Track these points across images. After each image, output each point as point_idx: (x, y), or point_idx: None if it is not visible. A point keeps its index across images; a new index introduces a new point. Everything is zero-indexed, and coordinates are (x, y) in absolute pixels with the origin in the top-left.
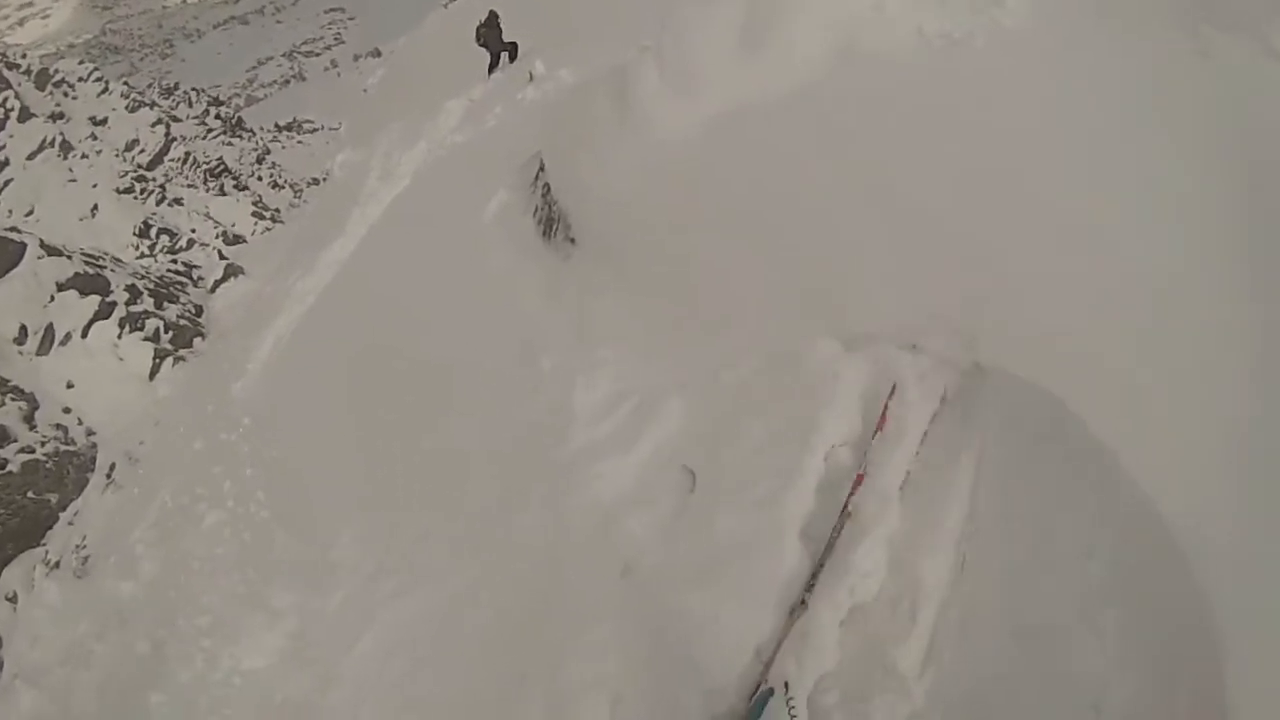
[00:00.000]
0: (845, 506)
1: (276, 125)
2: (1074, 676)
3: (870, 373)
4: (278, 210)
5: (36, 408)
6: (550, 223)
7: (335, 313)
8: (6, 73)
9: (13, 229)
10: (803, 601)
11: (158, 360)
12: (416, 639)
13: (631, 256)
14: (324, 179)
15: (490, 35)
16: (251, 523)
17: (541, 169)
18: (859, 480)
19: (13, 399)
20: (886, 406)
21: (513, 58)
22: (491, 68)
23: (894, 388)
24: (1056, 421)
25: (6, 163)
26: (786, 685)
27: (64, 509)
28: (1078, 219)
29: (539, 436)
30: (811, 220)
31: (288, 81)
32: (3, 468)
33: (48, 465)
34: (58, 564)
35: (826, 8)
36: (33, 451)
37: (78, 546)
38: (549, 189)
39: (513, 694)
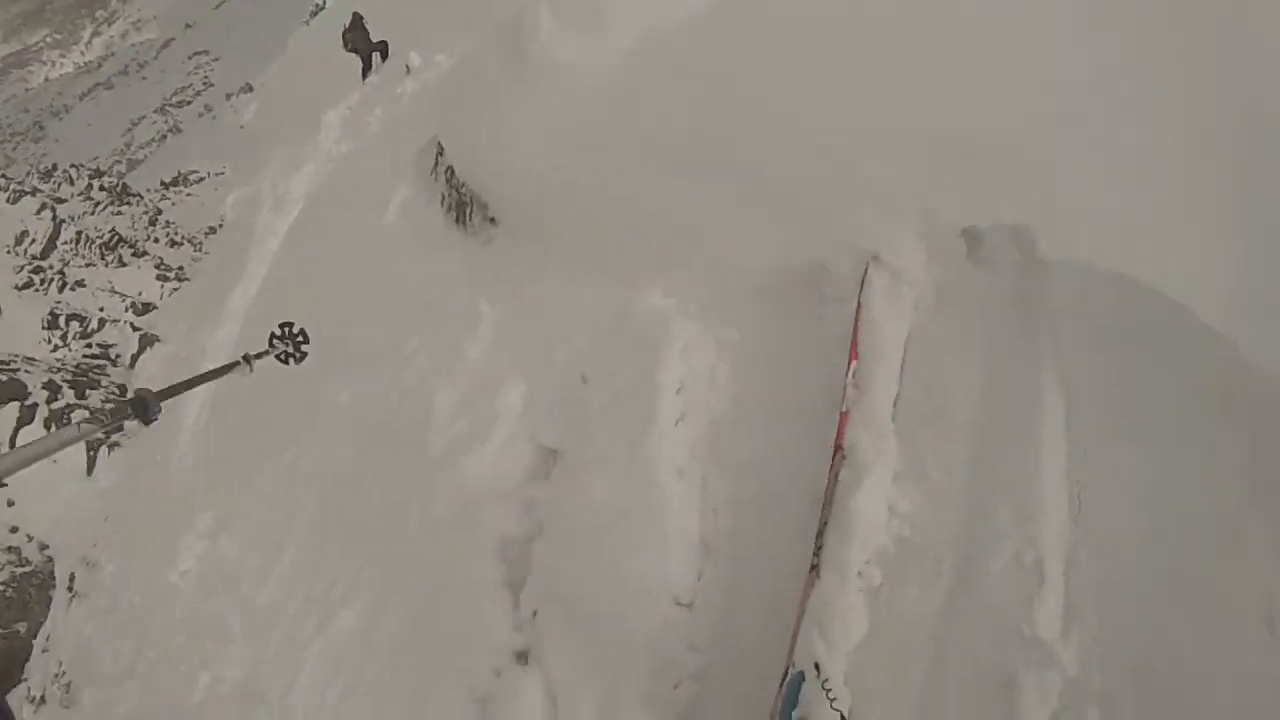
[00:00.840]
0: (838, 448)
1: (162, 183)
2: (1234, 597)
3: (692, 308)
4: (181, 268)
5: None
6: (462, 207)
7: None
8: None
9: None
10: (812, 566)
11: (92, 453)
12: (345, 663)
13: (560, 224)
14: (220, 225)
15: (357, 38)
16: (207, 596)
17: (440, 153)
18: (844, 417)
19: None
20: (856, 331)
21: (384, 56)
22: (365, 71)
23: (859, 309)
24: (1139, 312)
25: None
26: (818, 666)
27: (35, 636)
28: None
29: (409, 444)
30: (755, 136)
31: (164, 136)
32: None
33: (8, 594)
34: (43, 698)
35: None
36: None
37: (56, 675)
38: (452, 172)
39: (442, 692)
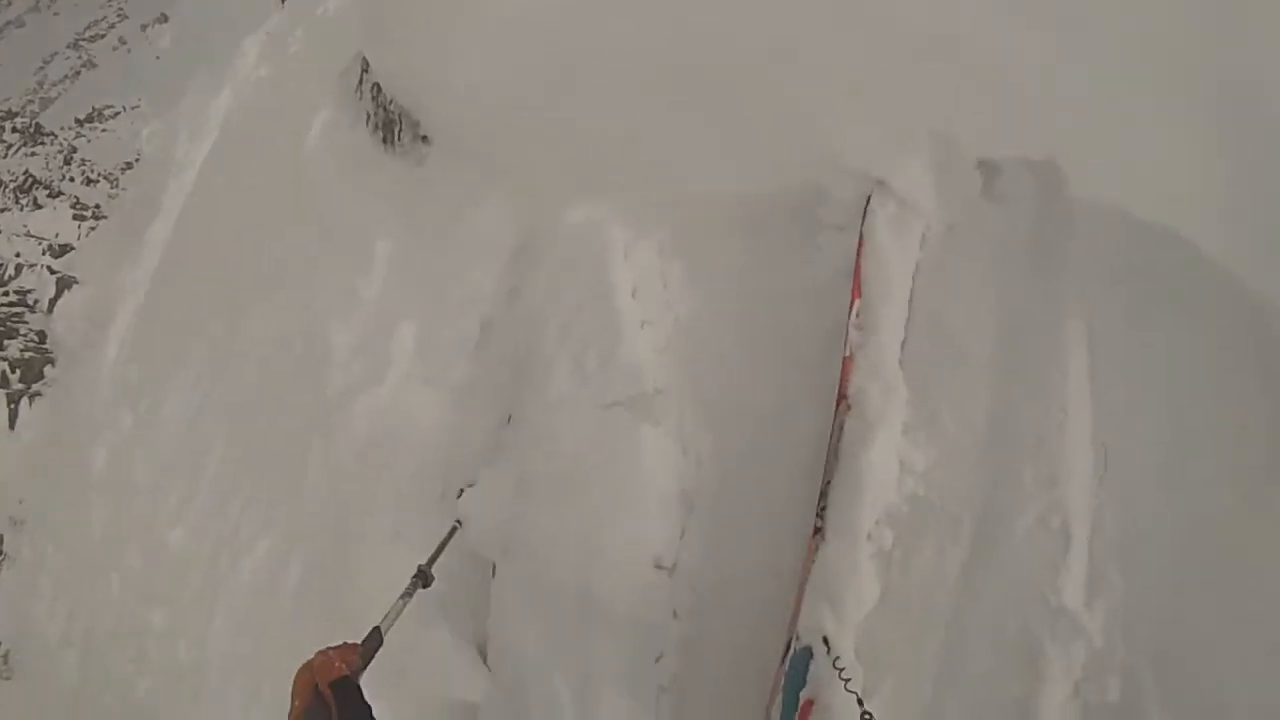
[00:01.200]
0: (842, 397)
1: (77, 120)
2: (1259, 569)
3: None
4: (98, 206)
5: None
6: (389, 126)
7: (171, 298)
8: None
9: None
10: (816, 529)
11: (13, 406)
12: (254, 607)
13: (500, 143)
14: (136, 160)
15: None
16: (128, 547)
17: (365, 70)
18: (848, 362)
19: None
20: (859, 266)
21: None
22: None
23: (861, 241)
24: (1161, 256)
25: None
26: (827, 641)
27: None
28: None
29: (310, 382)
30: (734, 51)
31: (78, 73)
32: None
33: None
34: None
35: None
36: None
37: None
38: (379, 89)
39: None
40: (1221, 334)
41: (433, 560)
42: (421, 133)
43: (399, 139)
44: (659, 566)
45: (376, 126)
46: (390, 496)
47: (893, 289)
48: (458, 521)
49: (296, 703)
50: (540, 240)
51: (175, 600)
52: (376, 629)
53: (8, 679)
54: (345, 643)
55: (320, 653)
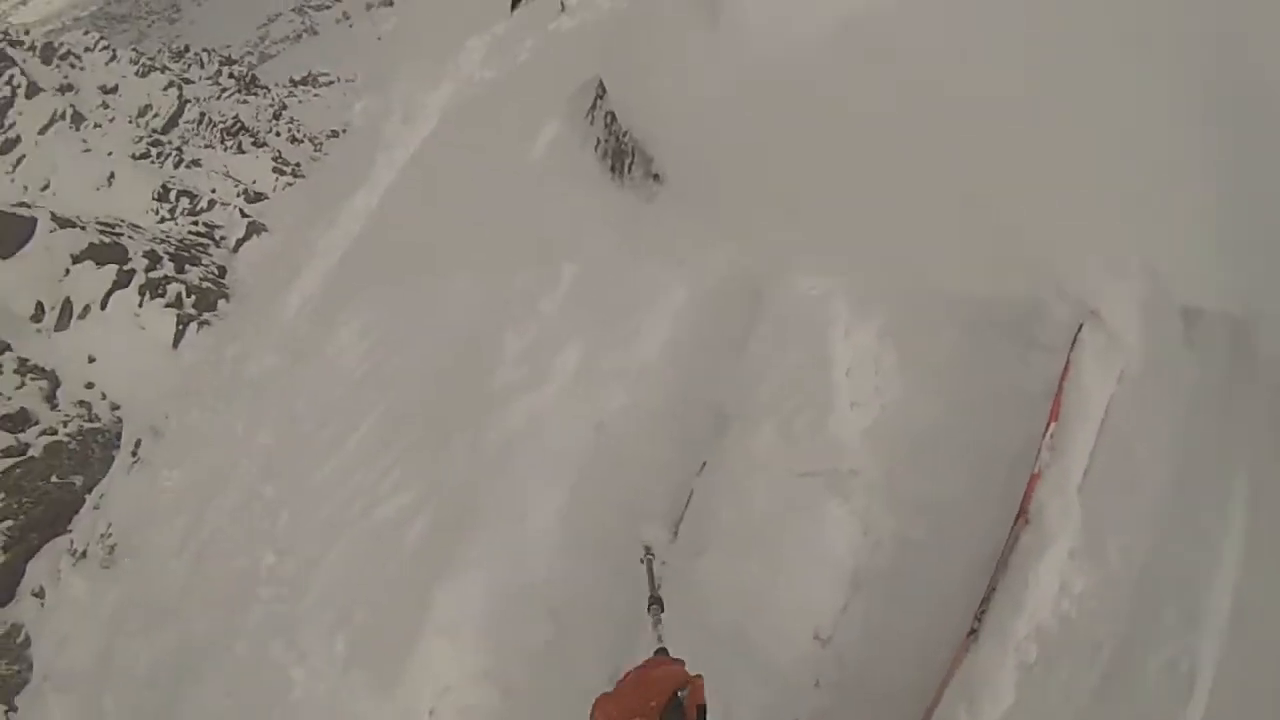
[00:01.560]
0: (1022, 511)
1: (291, 80)
2: None
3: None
4: (298, 165)
5: (58, 386)
6: (620, 156)
7: (364, 265)
8: (11, 50)
9: (21, 204)
10: (972, 630)
11: (181, 326)
12: (375, 547)
13: (736, 195)
14: (344, 130)
15: None
16: (266, 475)
17: (601, 95)
18: (1034, 479)
19: (33, 379)
20: (1061, 391)
21: None
22: (514, 2)
23: (1067, 367)
24: None
25: (18, 139)
26: None
27: (89, 491)
28: None
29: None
30: (971, 153)
31: (299, 36)
32: (24, 453)
33: (71, 445)
34: (84, 553)
35: None
36: (55, 433)
37: (103, 535)
38: (613, 118)
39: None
40: None
41: (653, 586)
42: (654, 170)
43: (629, 171)
44: (817, 637)
45: (605, 154)
46: (523, 489)
47: (1088, 418)
48: (649, 549)
49: (653, 703)
50: (761, 298)
51: (297, 528)
52: (664, 649)
53: (106, 568)
54: (665, 660)
55: (678, 668)
